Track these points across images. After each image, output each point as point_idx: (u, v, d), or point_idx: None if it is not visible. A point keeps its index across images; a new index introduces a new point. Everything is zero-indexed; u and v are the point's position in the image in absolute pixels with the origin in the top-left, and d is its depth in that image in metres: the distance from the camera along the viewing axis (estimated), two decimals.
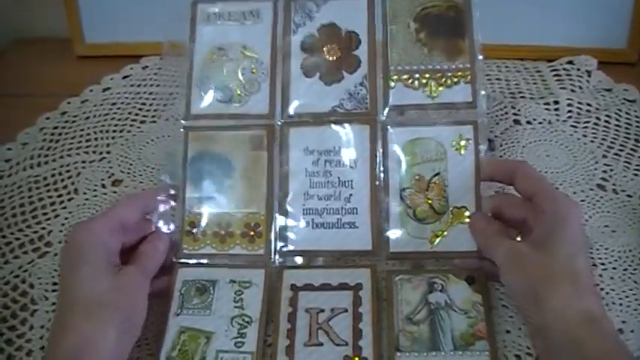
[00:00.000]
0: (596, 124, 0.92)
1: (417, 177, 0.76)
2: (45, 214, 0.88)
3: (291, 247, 0.76)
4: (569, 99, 0.95)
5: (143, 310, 0.67)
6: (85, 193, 0.90)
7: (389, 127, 0.77)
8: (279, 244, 0.76)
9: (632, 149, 0.89)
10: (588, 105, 0.95)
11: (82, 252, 0.66)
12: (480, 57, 0.77)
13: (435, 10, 0.79)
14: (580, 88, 0.98)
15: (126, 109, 1.03)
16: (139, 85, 1.07)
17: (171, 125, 0.85)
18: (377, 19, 0.80)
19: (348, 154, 0.77)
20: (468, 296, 0.70)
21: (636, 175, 0.85)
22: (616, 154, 0.89)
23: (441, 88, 0.77)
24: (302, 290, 0.73)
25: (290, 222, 0.77)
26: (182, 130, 0.80)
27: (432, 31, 0.79)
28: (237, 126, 0.80)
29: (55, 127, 1.00)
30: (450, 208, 0.75)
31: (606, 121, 0.92)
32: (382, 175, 0.76)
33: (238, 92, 0.80)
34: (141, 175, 0.92)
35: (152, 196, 0.77)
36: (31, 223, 0.87)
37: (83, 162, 0.94)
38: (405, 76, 0.78)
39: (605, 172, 0.86)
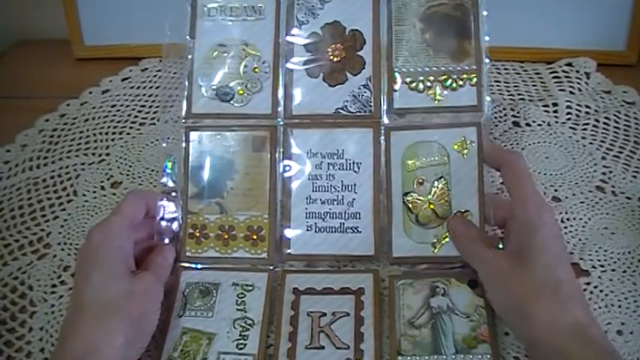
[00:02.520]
0: (595, 125, 0.92)
1: (419, 181, 0.75)
2: (44, 215, 0.88)
3: (293, 251, 0.76)
4: (568, 101, 0.95)
5: (154, 319, 0.67)
6: (84, 195, 0.90)
7: (392, 130, 0.76)
8: (282, 248, 0.76)
9: (631, 151, 0.89)
10: (587, 107, 0.95)
11: (98, 255, 0.66)
12: (487, 60, 0.76)
13: (442, 9, 0.78)
14: (579, 90, 0.98)
15: (125, 112, 1.03)
16: (138, 88, 1.07)
17: (170, 127, 0.84)
18: (382, 19, 0.78)
19: (351, 158, 0.77)
20: (470, 300, 0.70)
21: (635, 177, 0.85)
22: (615, 155, 0.89)
23: (445, 92, 0.76)
24: (304, 294, 0.72)
25: (293, 226, 0.76)
26: (183, 128, 0.80)
27: (437, 32, 0.77)
28: (239, 126, 0.79)
29: (55, 129, 1.00)
30: (454, 213, 0.74)
31: (605, 123, 0.92)
32: (385, 179, 0.76)
33: (240, 91, 0.79)
34: (140, 177, 0.92)
35: (154, 193, 0.77)
36: (30, 224, 0.87)
37: (82, 164, 0.95)
38: (410, 79, 0.77)
39: (604, 174, 0.86)
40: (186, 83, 0.80)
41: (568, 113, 0.94)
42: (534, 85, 1.00)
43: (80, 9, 1.12)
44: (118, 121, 1.01)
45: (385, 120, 0.77)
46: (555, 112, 0.95)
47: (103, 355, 0.60)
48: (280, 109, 0.78)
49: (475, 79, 0.76)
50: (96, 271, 0.65)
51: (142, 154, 0.95)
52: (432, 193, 0.75)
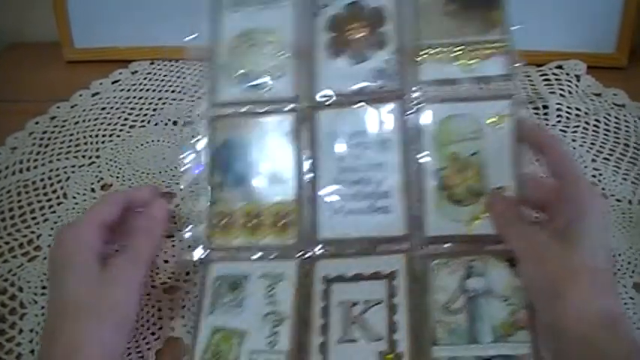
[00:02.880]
0: (585, 128, 0.93)
1: (453, 156, 0.72)
2: (34, 218, 0.87)
3: (322, 236, 0.73)
4: (558, 103, 0.96)
5: (135, 300, 0.65)
6: (74, 198, 0.89)
7: (421, 104, 0.74)
8: (311, 232, 0.73)
9: (621, 153, 0.90)
10: (577, 109, 0.96)
11: (67, 255, 0.65)
12: (514, 27, 0.74)
13: None
14: (569, 92, 0.99)
15: (115, 114, 1.02)
16: (128, 90, 1.07)
17: (160, 130, 0.83)
18: None
19: (378, 135, 0.74)
20: (508, 281, 0.65)
21: (625, 179, 0.86)
22: (605, 158, 0.89)
23: (473, 61, 0.73)
24: (334, 282, 0.69)
25: (320, 209, 0.74)
26: (208, 118, 0.78)
27: (463, 2, 0.76)
28: (263, 112, 0.78)
29: (45, 132, 1.00)
30: (489, 189, 0.70)
31: (595, 126, 0.93)
32: (415, 155, 0.73)
33: (264, 78, 0.78)
34: (130, 180, 0.91)
35: (136, 191, 0.76)
36: (21, 227, 0.86)
37: (72, 166, 0.94)
38: (435, 51, 0.75)
39: (594, 176, 0.87)
40: (210, 73, 0.79)
41: (558, 116, 0.95)
42: (524, 88, 1.01)
43: (70, 12, 1.11)
44: (108, 124, 1.01)
45: (412, 95, 0.74)
46: (545, 114, 0.96)
47: (90, 353, 0.59)
48: (304, 91, 0.77)
49: (504, 48, 0.74)
50: (69, 271, 0.64)
51: (132, 156, 0.95)
52: (466, 169, 0.72)
